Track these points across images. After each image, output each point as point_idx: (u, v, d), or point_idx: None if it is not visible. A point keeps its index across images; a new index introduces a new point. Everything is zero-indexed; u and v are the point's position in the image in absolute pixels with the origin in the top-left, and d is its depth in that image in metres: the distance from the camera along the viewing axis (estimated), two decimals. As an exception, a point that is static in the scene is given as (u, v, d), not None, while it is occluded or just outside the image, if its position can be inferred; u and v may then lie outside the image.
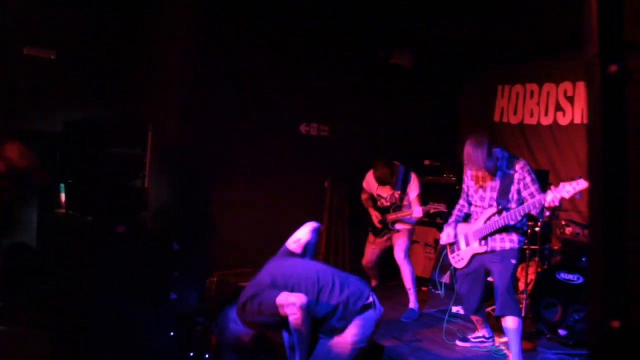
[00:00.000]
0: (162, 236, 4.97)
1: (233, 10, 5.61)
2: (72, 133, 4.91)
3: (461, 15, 5.36)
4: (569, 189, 3.42)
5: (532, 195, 3.70)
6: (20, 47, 5.70)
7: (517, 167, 3.81)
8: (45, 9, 5.83)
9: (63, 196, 5.03)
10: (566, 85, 6.15)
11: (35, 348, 4.50)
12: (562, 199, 3.47)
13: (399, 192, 5.26)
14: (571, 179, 3.45)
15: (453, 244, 4.12)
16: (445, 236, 4.14)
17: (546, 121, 6.39)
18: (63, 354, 4.33)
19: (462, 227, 4.10)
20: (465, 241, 4.03)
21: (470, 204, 4.12)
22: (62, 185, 5.15)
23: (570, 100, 6.11)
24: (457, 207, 4.24)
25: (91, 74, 6.11)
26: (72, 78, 6.01)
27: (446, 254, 4.22)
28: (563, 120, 6.19)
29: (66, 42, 5.93)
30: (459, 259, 4.08)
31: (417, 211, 4.99)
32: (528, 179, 3.77)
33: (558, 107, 6.24)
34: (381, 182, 5.23)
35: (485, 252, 3.91)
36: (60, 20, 5.90)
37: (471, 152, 3.76)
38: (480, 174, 3.95)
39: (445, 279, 6.22)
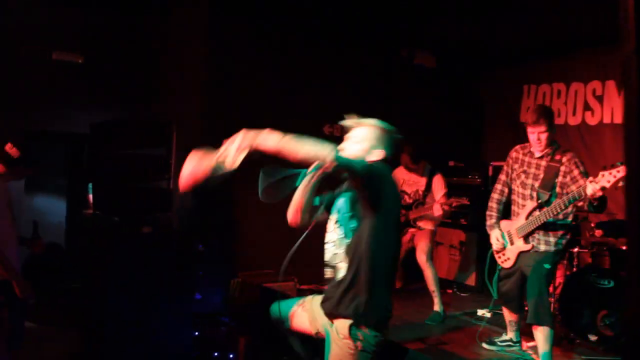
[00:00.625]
0: (187, 237, 5.00)
1: (254, 10, 5.63)
2: (98, 135, 4.98)
3: (485, 13, 5.30)
4: (609, 178, 3.21)
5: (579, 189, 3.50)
6: (49, 51, 5.82)
7: (564, 159, 3.67)
8: (72, 14, 5.94)
9: (91, 197, 5.10)
10: (595, 84, 6.02)
11: (64, 346, 4.58)
12: (604, 189, 3.24)
13: (422, 189, 5.23)
14: (611, 166, 3.27)
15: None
16: (495, 241, 3.95)
17: (574, 121, 6.26)
18: (90, 352, 4.39)
19: (504, 224, 3.97)
20: (509, 239, 3.90)
21: (510, 190, 3.98)
22: (90, 186, 5.24)
23: (600, 99, 5.98)
24: (496, 196, 4.04)
25: (116, 77, 6.21)
26: (98, 81, 6.11)
27: (492, 255, 4.10)
28: (592, 120, 6.06)
29: (92, 46, 6.04)
30: (505, 259, 3.93)
31: (436, 209, 4.93)
32: (576, 172, 3.60)
33: (586, 107, 6.12)
34: (407, 164, 5.22)
35: (531, 250, 3.76)
36: (86, 25, 6.01)
37: (538, 132, 3.66)
38: (526, 158, 3.84)
39: (470, 281, 6.16)
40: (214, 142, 5.82)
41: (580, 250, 4.98)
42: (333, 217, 2.63)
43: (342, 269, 2.51)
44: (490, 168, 6.40)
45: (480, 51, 6.68)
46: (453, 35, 6.20)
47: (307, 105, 6.07)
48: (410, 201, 5.31)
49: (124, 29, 6.25)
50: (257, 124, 6.16)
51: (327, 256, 2.55)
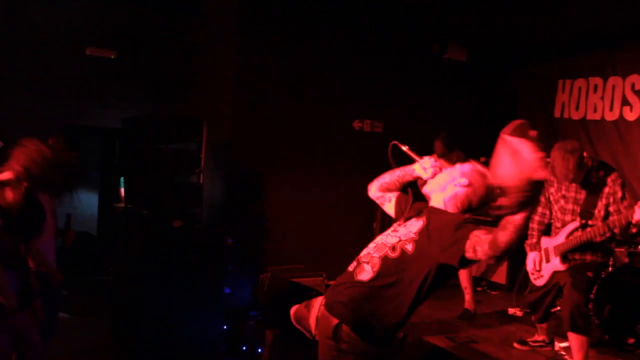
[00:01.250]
0: (216, 231, 5.04)
1: (283, 7, 5.62)
2: (130, 130, 5.04)
3: (518, 5, 5.18)
4: None
5: (618, 212, 3.40)
6: (83, 47, 5.93)
7: (609, 180, 3.51)
8: (105, 11, 6.03)
9: (123, 191, 5.18)
10: (634, 78, 5.82)
11: (95, 336, 4.67)
12: None
13: None
14: None
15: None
16: (532, 263, 3.84)
17: (611, 117, 6.08)
18: (120, 343, 4.47)
19: (544, 240, 3.85)
20: (545, 257, 3.78)
21: (551, 212, 3.84)
22: (122, 180, 5.31)
23: (639, 94, 5.79)
24: (537, 218, 3.90)
25: (148, 73, 6.29)
26: (130, 77, 6.21)
27: (525, 271, 4.00)
28: (630, 116, 5.87)
29: (125, 42, 6.13)
30: (538, 276, 3.83)
31: None
32: (619, 195, 3.46)
33: (625, 102, 5.93)
34: (441, 150, 5.15)
35: (567, 270, 3.64)
36: (119, 21, 6.10)
37: (560, 158, 3.44)
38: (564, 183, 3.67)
39: (500, 279, 6.05)
40: (244, 138, 5.87)
41: (617, 249, 4.83)
42: (397, 224, 2.42)
43: (367, 272, 2.28)
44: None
45: (513, 44, 6.53)
46: (485, 29, 6.08)
47: (337, 100, 6.04)
48: None
49: (156, 26, 6.33)
50: (287, 120, 6.21)
51: (364, 251, 2.40)
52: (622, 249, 4.86)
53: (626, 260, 4.80)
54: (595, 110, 6.26)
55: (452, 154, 5.18)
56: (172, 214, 4.38)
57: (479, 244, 2.05)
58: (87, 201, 7.51)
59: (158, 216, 4.36)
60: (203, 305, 4.42)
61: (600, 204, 3.53)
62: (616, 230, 3.43)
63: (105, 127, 6.32)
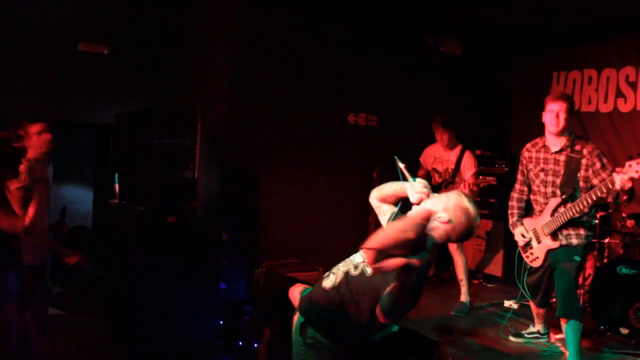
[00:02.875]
0: (211, 226, 5.03)
1: (277, 1, 5.59)
2: (123, 125, 5.02)
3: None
4: (637, 168, 3.05)
5: (603, 182, 3.35)
6: (75, 43, 5.89)
7: (585, 151, 3.51)
8: (98, 5, 5.99)
9: (117, 187, 5.16)
10: (628, 70, 5.83)
11: (90, 333, 4.66)
12: (633, 180, 3.07)
13: (452, 168, 5.12)
14: (638, 155, 3.11)
15: (527, 245, 3.86)
16: (520, 237, 3.83)
17: (605, 108, 6.09)
18: (116, 339, 4.46)
19: (528, 222, 3.84)
20: (535, 238, 3.78)
21: (530, 189, 3.86)
22: (116, 176, 5.29)
23: (633, 85, 5.79)
24: (515, 195, 3.93)
25: (141, 68, 6.26)
26: (123, 72, 6.17)
27: (519, 254, 4.00)
28: (624, 107, 5.88)
29: (117, 37, 6.09)
30: (533, 258, 3.81)
31: (463, 189, 4.82)
32: (598, 165, 3.45)
33: (619, 94, 5.94)
34: (439, 128, 5.12)
35: (559, 247, 3.64)
36: (112, 16, 6.06)
37: (558, 109, 3.51)
38: (541, 155, 3.70)
39: (497, 271, 6.07)
40: (238, 132, 5.85)
41: (611, 241, 4.85)
42: None
43: (330, 281, 2.41)
44: (520, 158, 6.26)
45: (508, 37, 6.52)
46: (480, 22, 6.06)
47: (332, 94, 6.03)
48: (440, 180, 5.21)
49: (149, 20, 6.29)
50: (281, 114, 6.19)
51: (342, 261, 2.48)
52: (617, 240, 4.88)
53: (621, 251, 4.81)
54: (589, 102, 6.27)
55: (451, 133, 5.11)
56: (166, 210, 4.37)
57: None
58: (82, 197, 7.49)
59: (152, 212, 4.35)
60: (199, 300, 4.42)
61: (580, 176, 3.52)
62: (609, 200, 3.41)
63: (99, 123, 6.29)
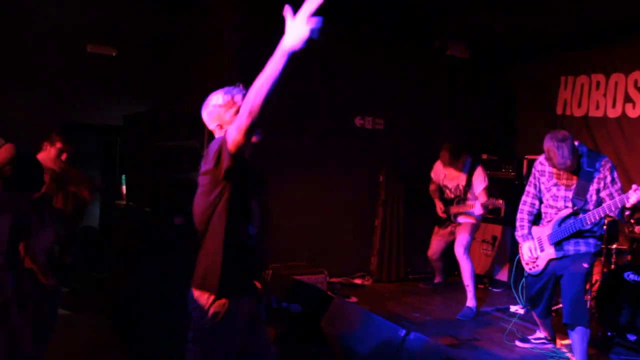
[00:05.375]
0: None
1: (282, 4, 5.59)
2: (130, 127, 5.03)
3: (519, 2, 5.15)
4: None
5: (611, 196, 3.44)
6: (83, 45, 5.92)
7: (598, 164, 3.52)
8: (106, 8, 6.02)
9: (124, 188, 5.17)
10: (637, 75, 5.80)
11: (94, 333, 4.66)
12: None
13: (463, 185, 5.15)
14: None
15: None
16: (527, 251, 3.81)
17: (613, 114, 6.06)
18: (120, 339, 4.47)
19: (535, 230, 3.85)
20: (539, 246, 3.78)
21: (541, 201, 3.86)
22: (123, 177, 5.31)
23: (642, 91, 5.77)
24: (526, 208, 3.89)
25: (149, 70, 6.28)
26: (131, 74, 6.19)
27: (519, 260, 3.99)
28: (633, 113, 5.85)
29: (125, 39, 6.11)
30: (533, 266, 3.83)
31: (477, 208, 4.88)
32: (609, 179, 3.49)
33: (627, 99, 5.91)
34: (445, 161, 5.16)
35: (562, 257, 3.65)
36: (119, 19, 6.09)
37: (554, 148, 3.44)
38: (555, 170, 3.68)
39: (503, 276, 6.05)
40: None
41: (619, 247, 4.82)
42: None
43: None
44: (525, 162, 6.25)
45: (515, 41, 6.51)
46: (487, 26, 6.06)
47: (338, 97, 6.03)
48: (452, 196, 5.25)
49: (157, 23, 6.32)
50: (288, 117, 6.19)
51: None
52: (625, 247, 4.85)
53: (628, 257, 4.78)
54: (597, 107, 6.24)
55: (459, 160, 5.17)
56: (173, 211, 4.37)
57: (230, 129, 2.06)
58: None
59: (159, 213, 4.35)
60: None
61: (592, 189, 3.54)
62: (612, 215, 3.44)
63: (106, 124, 6.32)
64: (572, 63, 6.57)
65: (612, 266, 4.73)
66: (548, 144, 3.51)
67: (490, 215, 6.16)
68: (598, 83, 6.25)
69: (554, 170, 3.69)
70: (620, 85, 5.99)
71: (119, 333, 4.62)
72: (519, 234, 3.91)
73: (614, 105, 6.06)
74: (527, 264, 3.86)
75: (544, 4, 5.17)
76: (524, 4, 5.21)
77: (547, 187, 3.76)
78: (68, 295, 5.49)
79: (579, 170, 3.58)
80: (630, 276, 4.17)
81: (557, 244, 3.65)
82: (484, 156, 6.59)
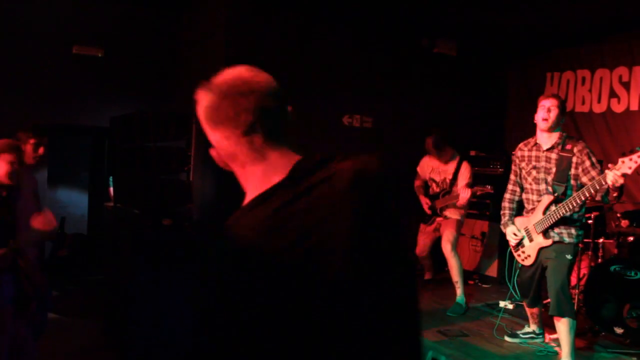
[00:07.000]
0: (207, 228, 5.02)
1: (271, 2, 5.60)
2: (118, 128, 5.02)
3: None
4: (630, 164, 3.10)
5: (592, 180, 3.42)
6: (69, 46, 5.88)
7: (575, 149, 3.55)
8: (92, 9, 5.98)
9: (112, 190, 5.15)
10: (621, 70, 5.86)
11: (85, 336, 4.65)
12: (625, 176, 3.13)
13: (450, 179, 5.17)
14: (630, 151, 3.13)
15: (519, 244, 3.88)
16: (512, 235, 3.85)
17: (599, 109, 6.12)
18: (111, 342, 4.46)
19: (520, 221, 3.88)
20: (527, 236, 3.80)
21: (522, 189, 3.89)
22: (111, 179, 5.29)
23: (626, 86, 5.83)
24: (508, 196, 3.96)
25: (136, 71, 6.25)
26: (118, 75, 6.16)
27: (510, 253, 4.02)
28: (618, 108, 5.91)
29: (112, 40, 6.08)
30: (525, 256, 3.84)
31: (461, 198, 4.88)
32: (587, 163, 3.50)
33: (612, 94, 5.97)
34: (431, 149, 5.19)
35: (552, 244, 3.66)
36: (106, 19, 6.06)
37: (549, 105, 3.56)
38: (533, 153, 3.73)
39: (492, 272, 6.09)
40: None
41: (606, 240, 4.87)
42: None
43: None
44: (513, 157, 6.28)
45: (502, 38, 6.54)
46: (474, 23, 6.08)
47: (326, 96, 6.03)
48: (438, 190, 5.28)
49: (143, 23, 6.29)
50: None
51: None
52: (612, 241, 4.90)
53: (615, 251, 4.83)
54: (583, 103, 6.30)
55: (445, 151, 5.20)
56: (161, 212, 4.36)
57: None
58: (77, 201, 7.48)
59: (148, 215, 4.34)
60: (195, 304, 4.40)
61: (570, 173, 3.56)
62: (597, 198, 3.46)
63: (94, 126, 6.28)
64: (558, 59, 6.63)
65: (600, 260, 4.77)
66: (545, 100, 3.63)
67: (477, 212, 6.21)
68: (583, 79, 6.31)
69: (533, 153, 3.75)
70: (605, 80, 6.05)
71: (108, 336, 4.61)
72: (501, 222, 3.96)
73: (599, 101, 6.12)
74: (518, 255, 3.89)
75: (530, 2, 5.21)
76: (511, 1, 5.24)
77: (527, 170, 3.79)
78: (58, 298, 5.46)
79: (557, 155, 3.62)
80: (617, 270, 4.22)
81: (545, 232, 3.68)
82: (472, 153, 6.62)
